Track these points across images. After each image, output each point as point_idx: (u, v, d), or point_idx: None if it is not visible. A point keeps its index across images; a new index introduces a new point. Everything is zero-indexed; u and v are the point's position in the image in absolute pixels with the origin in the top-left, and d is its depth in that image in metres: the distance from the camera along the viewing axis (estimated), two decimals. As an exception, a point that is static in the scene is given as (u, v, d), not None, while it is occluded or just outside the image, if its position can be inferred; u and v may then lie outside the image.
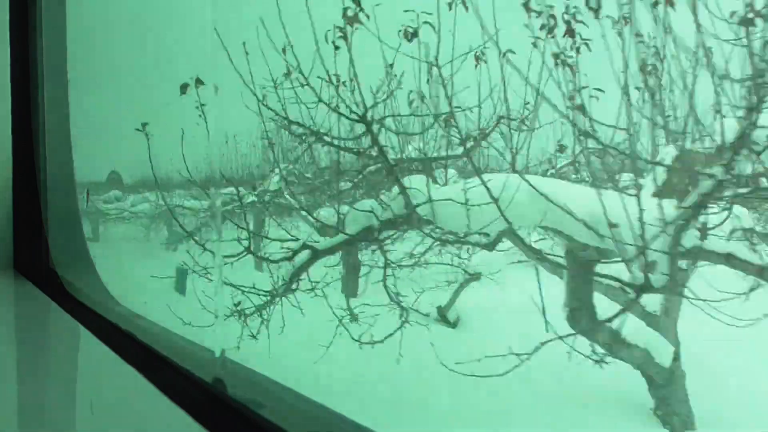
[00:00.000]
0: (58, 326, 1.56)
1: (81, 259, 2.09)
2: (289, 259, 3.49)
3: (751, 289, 2.95)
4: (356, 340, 3.49)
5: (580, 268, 2.90)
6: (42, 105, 2.07)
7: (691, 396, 3.23)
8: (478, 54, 2.84)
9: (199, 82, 2.71)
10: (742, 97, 2.07)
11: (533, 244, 3.17)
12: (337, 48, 2.90)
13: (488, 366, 2.71)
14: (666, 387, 3.17)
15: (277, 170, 6.05)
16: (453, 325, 5.32)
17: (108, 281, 1.93)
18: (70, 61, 2.07)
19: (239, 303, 3.45)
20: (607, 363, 2.85)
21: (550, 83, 2.34)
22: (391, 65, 3.17)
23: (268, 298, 3.55)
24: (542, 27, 2.31)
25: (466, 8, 2.50)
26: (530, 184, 2.49)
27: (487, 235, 3.00)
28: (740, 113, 2.06)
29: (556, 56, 2.32)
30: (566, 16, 2.32)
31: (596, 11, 2.17)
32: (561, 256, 3.03)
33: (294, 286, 3.53)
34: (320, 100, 3.12)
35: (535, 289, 2.58)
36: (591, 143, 2.50)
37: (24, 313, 1.72)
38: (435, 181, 3.30)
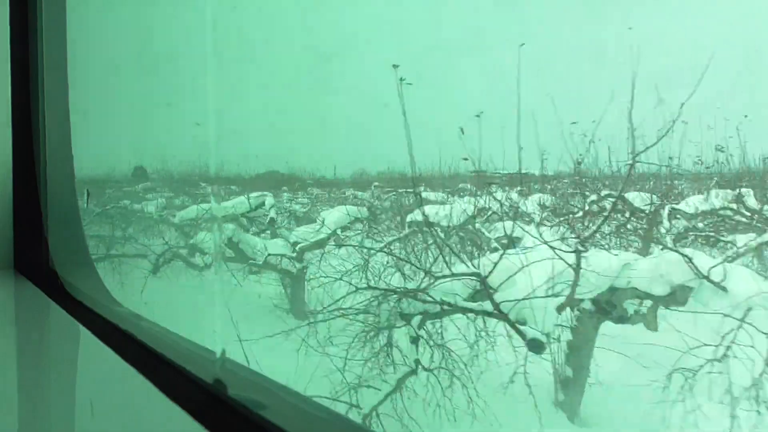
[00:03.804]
0: (58, 326, 1.56)
1: (81, 260, 2.08)
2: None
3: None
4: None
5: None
6: (42, 105, 2.07)
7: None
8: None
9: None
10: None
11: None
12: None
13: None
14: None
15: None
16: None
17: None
18: (70, 60, 2.06)
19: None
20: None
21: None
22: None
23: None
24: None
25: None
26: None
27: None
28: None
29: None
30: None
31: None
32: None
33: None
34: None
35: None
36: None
37: (24, 313, 1.71)
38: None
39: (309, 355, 3.70)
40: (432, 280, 3.62)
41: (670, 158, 3.61)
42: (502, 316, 3.30)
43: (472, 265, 3.54)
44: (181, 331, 1.20)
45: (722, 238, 3.92)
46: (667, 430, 3.10)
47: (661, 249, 3.68)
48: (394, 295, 3.73)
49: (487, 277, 3.39)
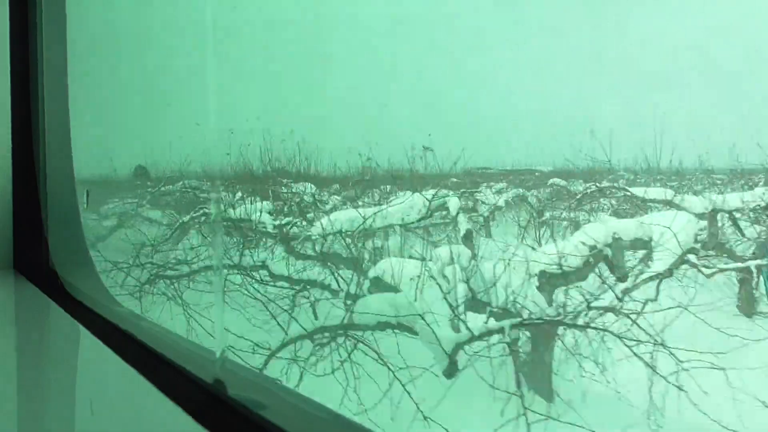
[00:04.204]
0: (58, 326, 1.56)
1: (81, 259, 2.08)
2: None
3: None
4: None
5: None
6: (42, 105, 2.07)
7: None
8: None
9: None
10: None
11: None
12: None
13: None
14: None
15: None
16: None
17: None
18: (70, 60, 2.06)
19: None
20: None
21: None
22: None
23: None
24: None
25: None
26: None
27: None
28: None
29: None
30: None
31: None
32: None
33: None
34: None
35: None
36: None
37: (24, 313, 1.72)
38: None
39: None
40: None
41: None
42: None
43: None
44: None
45: None
46: None
47: None
48: None
49: None
